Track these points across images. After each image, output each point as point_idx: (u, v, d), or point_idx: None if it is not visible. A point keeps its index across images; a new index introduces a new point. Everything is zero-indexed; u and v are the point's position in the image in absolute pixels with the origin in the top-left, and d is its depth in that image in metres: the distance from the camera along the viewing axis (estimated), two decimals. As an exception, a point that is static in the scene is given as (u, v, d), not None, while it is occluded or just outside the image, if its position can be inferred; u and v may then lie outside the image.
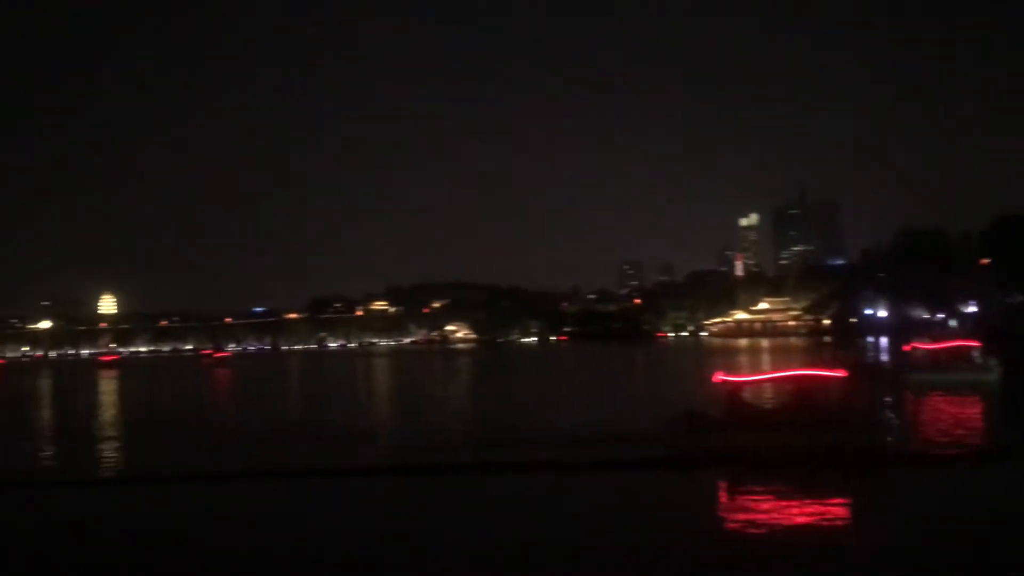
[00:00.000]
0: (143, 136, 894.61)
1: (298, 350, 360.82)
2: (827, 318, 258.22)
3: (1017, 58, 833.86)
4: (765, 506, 22.90)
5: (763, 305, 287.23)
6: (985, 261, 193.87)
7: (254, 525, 23.23)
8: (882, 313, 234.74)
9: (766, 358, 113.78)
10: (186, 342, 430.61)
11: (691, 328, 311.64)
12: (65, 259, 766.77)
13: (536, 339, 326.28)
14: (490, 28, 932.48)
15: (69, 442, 44.15)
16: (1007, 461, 29.47)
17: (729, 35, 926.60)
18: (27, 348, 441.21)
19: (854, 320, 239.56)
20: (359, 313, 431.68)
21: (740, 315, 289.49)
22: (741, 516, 22.08)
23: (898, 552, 18.76)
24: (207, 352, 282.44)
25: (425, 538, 21.09)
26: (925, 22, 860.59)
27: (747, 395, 32.20)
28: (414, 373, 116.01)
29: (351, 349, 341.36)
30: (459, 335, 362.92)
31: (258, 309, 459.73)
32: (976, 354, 59.68)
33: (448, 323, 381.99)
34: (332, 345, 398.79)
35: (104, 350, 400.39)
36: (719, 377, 31.00)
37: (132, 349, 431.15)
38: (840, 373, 31.34)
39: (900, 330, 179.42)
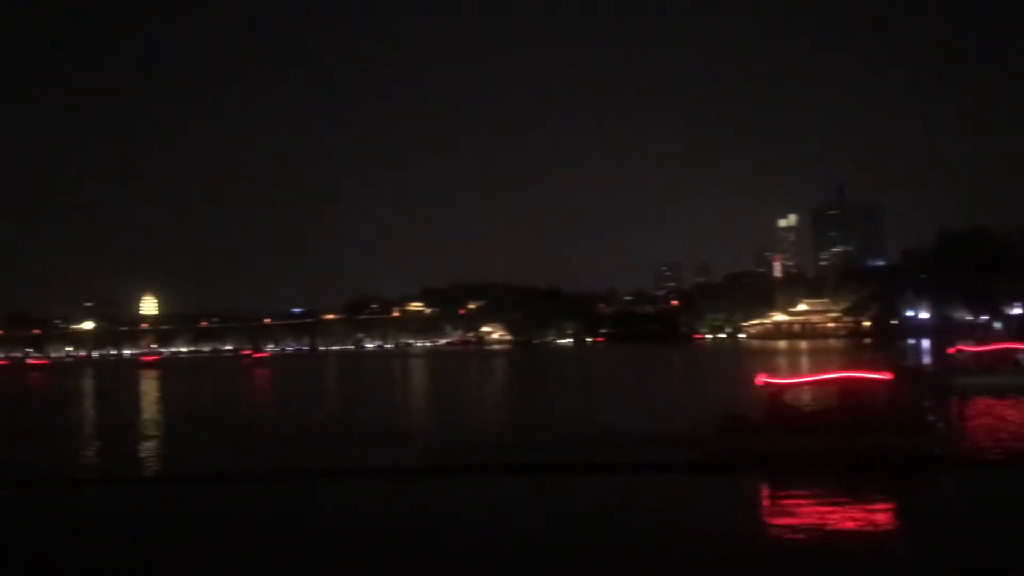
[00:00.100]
0: (183, 139, 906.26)
1: (336, 351, 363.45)
2: (867, 320, 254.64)
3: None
4: (808, 510, 22.61)
5: (802, 307, 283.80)
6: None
7: (300, 526, 23.31)
8: (923, 315, 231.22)
9: (806, 360, 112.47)
10: (226, 343, 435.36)
11: (729, 330, 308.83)
12: (108, 261, 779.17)
13: (572, 341, 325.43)
14: (522, 25, 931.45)
15: (110, 442, 44.82)
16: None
17: (769, 34, 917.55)
18: (71, 348, 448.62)
19: (895, 322, 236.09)
20: (395, 314, 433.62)
21: (778, 317, 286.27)
22: (784, 520, 21.82)
23: (945, 559, 18.41)
24: (246, 352, 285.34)
25: (470, 539, 21.12)
26: (967, 20, 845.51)
27: (790, 397, 31.82)
28: (451, 374, 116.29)
29: (387, 350, 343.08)
30: (495, 336, 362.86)
31: (296, 310, 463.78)
32: (1022, 357, 58.45)
33: (484, 324, 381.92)
34: (369, 346, 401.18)
35: (145, 350, 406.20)
36: (761, 379, 30.68)
37: (173, 349, 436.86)
38: (885, 376, 30.84)
39: (942, 332, 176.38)
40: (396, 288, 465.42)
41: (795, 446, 28.36)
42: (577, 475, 29.04)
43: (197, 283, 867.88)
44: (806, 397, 40.94)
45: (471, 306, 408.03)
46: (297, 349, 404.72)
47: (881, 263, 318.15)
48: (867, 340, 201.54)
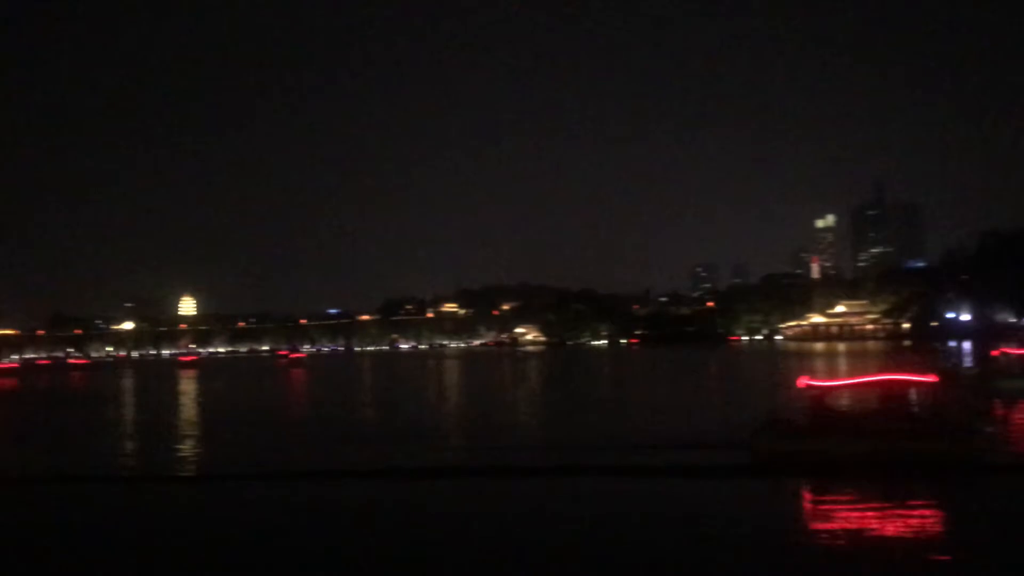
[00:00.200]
0: (222, 141, 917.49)
1: (370, 351, 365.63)
2: (907, 322, 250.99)
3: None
4: (853, 516, 22.30)
5: (840, 308, 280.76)
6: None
7: (355, 526, 23.41)
8: (965, 317, 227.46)
9: (845, 363, 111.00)
10: (263, 343, 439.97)
11: (765, 332, 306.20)
12: (148, 263, 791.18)
13: (606, 342, 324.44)
14: (556, 27, 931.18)
15: (149, 440, 45.38)
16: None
17: (807, 35, 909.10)
18: (111, 348, 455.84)
19: (935, 324, 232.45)
20: (430, 315, 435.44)
21: (816, 318, 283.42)
22: (828, 526, 21.53)
23: (994, 567, 18.06)
24: (283, 353, 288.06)
25: (523, 540, 21.10)
26: (1012, 22, 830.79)
27: (833, 400, 31.42)
28: (487, 375, 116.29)
29: (422, 351, 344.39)
30: (528, 338, 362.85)
31: (332, 311, 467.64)
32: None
33: (518, 325, 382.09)
34: (403, 346, 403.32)
35: (184, 350, 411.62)
36: (804, 382, 30.32)
37: (211, 349, 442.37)
38: (931, 378, 30.35)
39: (984, 334, 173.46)
40: (431, 289, 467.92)
41: (839, 450, 27.99)
42: (621, 478, 28.89)
43: (235, 284, 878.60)
44: (849, 400, 40.44)
45: (505, 307, 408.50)
46: (333, 349, 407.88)
47: (921, 264, 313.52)
48: (906, 342, 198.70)
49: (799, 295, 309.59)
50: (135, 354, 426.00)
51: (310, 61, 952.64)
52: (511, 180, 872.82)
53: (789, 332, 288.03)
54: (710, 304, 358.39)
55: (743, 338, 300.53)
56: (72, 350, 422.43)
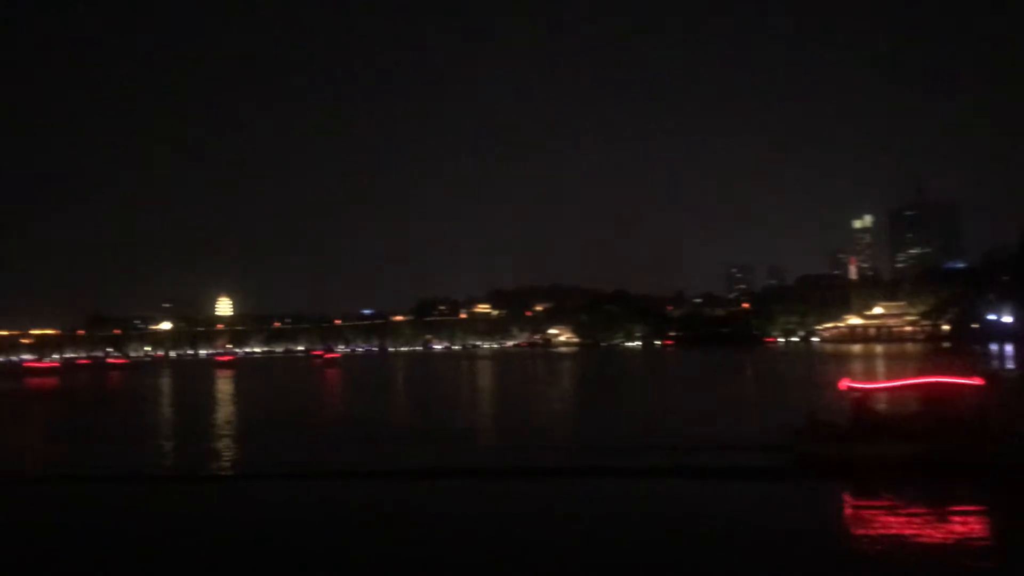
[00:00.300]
0: (256, 140, 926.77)
1: (404, 351, 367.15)
2: (946, 324, 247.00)
3: None
4: (897, 520, 21.95)
5: (878, 310, 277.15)
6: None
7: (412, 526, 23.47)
8: (1006, 319, 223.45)
9: (883, 365, 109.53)
10: (298, 343, 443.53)
11: (801, 333, 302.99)
12: (186, 264, 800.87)
13: (640, 343, 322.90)
14: (592, 24, 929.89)
15: (188, 439, 45.86)
16: None
17: (846, 34, 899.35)
18: (149, 348, 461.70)
19: (975, 326, 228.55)
20: (463, 316, 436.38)
21: (853, 320, 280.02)
22: (871, 531, 21.17)
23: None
24: (318, 353, 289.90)
25: (566, 543, 21.06)
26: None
27: (875, 403, 30.95)
28: (521, 376, 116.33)
29: (455, 351, 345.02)
30: (561, 339, 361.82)
31: (366, 311, 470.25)
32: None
33: (551, 327, 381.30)
34: (437, 347, 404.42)
35: (221, 350, 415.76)
36: (845, 384, 29.92)
37: (247, 349, 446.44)
38: (976, 381, 29.76)
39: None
40: (464, 290, 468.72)
41: (882, 453, 27.56)
42: (663, 479, 28.70)
43: (271, 285, 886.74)
44: (892, 403, 39.87)
45: (538, 308, 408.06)
46: (367, 350, 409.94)
47: (961, 265, 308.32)
48: (946, 345, 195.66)
49: (836, 296, 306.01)
50: (173, 354, 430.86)
51: (342, 63, 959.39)
52: (545, 181, 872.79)
53: (826, 334, 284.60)
54: (745, 305, 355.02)
55: (779, 340, 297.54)
56: (111, 350, 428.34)
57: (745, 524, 22.12)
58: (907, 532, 20.69)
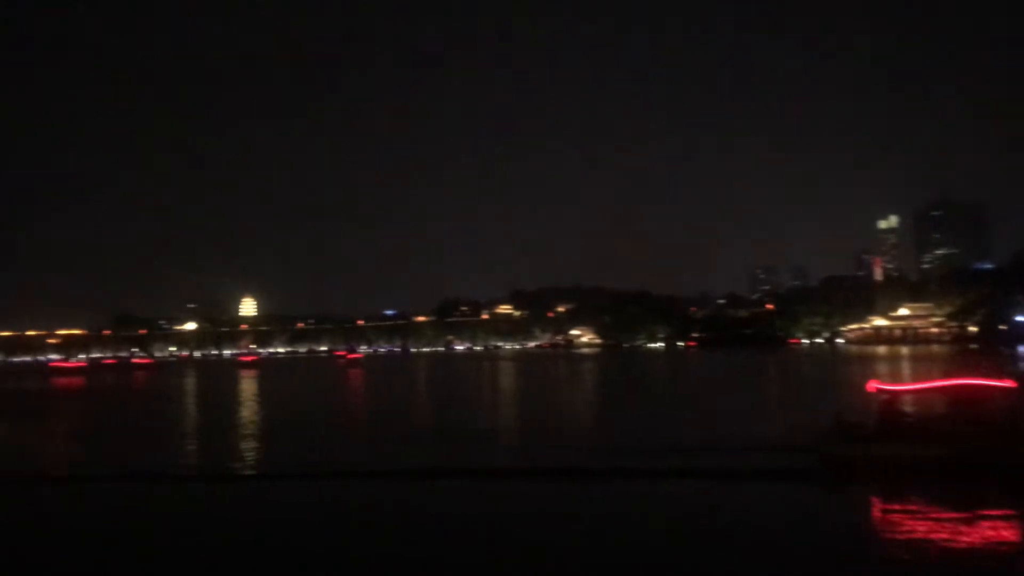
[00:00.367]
0: (279, 142, 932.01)
1: (426, 352, 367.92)
2: (974, 325, 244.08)
3: None
4: (926, 524, 21.61)
5: (903, 311, 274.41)
6: None
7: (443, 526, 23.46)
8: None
9: (911, 366, 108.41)
10: (321, 343, 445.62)
11: (826, 335, 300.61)
12: (211, 265, 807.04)
13: (663, 345, 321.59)
14: (620, 28, 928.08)
15: (214, 439, 46.12)
16: None
17: (869, 34, 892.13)
18: (174, 348, 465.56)
19: (1004, 327, 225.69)
20: (484, 317, 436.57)
21: (878, 321, 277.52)
22: (900, 535, 20.87)
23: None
24: (341, 353, 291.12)
25: (596, 544, 20.94)
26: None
27: (904, 405, 30.55)
28: (544, 377, 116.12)
29: (476, 352, 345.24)
30: (583, 340, 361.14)
31: (389, 312, 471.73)
32: None
33: (573, 327, 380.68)
34: (458, 348, 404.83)
35: (244, 350, 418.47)
36: (874, 385, 29.56)
37: (270, 350, 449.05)
38: (1008, 383, 29.29)
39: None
40: (486, 291, 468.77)
41: (911, 455, 27.19)
42: (692, 480, 28.52)
43: (294, 286, 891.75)
44: (919, 405, 39.42)
45: (560, 309, 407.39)
46: (389, 350, 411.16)
47: (989, 266, 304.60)
48: (973, 346, 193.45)
49: (861, 297, 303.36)
50: (197, 354, 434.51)
51: (369, 61, 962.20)
52: (566, 182, 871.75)
53: (851, 335, 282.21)
54: (769, 306, 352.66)
55: (803, 341, 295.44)
56: (136, 350, 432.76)
57: (772, 527, 21.91)
58: (936, 536, 20.37)
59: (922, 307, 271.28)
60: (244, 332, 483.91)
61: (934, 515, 22.65)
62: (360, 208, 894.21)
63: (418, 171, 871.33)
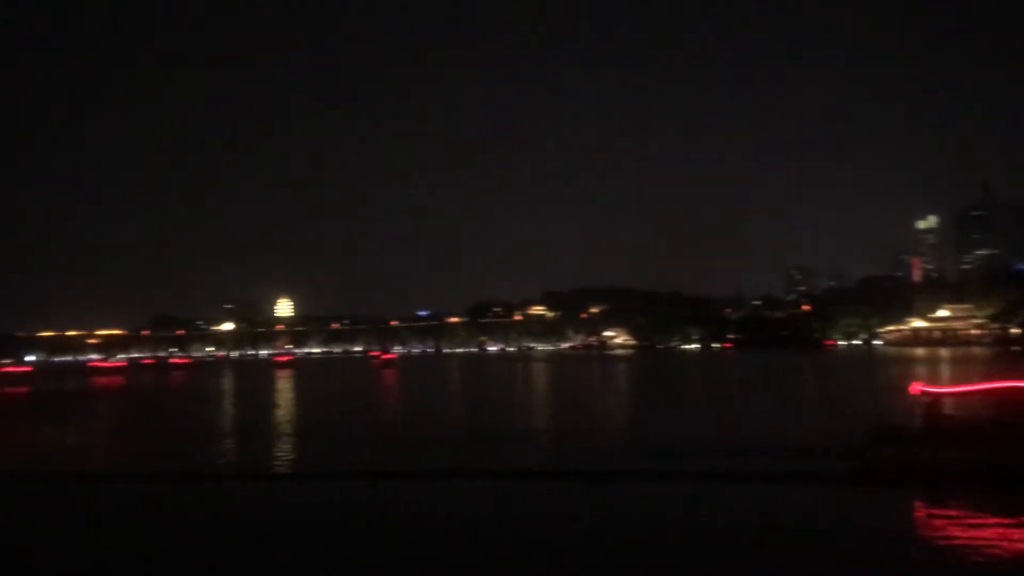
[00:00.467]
0: (313, 142, 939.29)
1: (459, 353, 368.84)
2: (1016, 327, 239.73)
3: None
4: (973, 531, 21.14)
5: (943, 312, 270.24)
6: None
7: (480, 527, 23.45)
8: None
9: (952, 369, 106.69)
10: (356, 344, 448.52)
11: (864, 336, 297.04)
12: (247, 266, 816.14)
13: (698, 346, 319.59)
14: (658, 29, 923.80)
15: (252, 438, 46.50)
16: None
17: (910, 30, 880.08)
18: (212, 348, 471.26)
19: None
20: (517, 318, 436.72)
21: (917, 323, 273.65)
22: (945, 541, 20.42)
23: None
24: (375, 353, 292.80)
25: (628, 545, 20.78)
26: None
27: (949, 407, 29.93)
28: (579, 378, 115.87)
29: (509, 353, 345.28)
30: (617, 341, 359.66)
31: (422, 313, 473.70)
32: None
33: (606, 329, 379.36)
34: (491, 348, 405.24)
35: (280, 351, 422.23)
36: (917, 388, 29.03)
37: (306, 350, 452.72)
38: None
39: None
40: (519, 292, 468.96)
41: (956, 459, 26.63)
42: (734, 483, 28.23)
43: (329, 287, 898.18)
44: (965, 408, 38.69)
45: (593, 310, 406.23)
46: (422, 351, 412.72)
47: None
48: (1016, 348, 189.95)
49: (899, 298, 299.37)
50: (234, 354, 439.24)
51: (419, 57, 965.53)
52: (599, 182, 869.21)
53: (889, 337, 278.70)
54: (806, 307, 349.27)
55: (839, 343, 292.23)
56: (175, 350, 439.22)
57: (814, 532, 21.64)
58: (983, 543, 19.91)
59: (962, 308, 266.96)
60: (280, 332, 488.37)
61: (981, 521, 22.17)
62: (395, 209, 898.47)
63: (453, 172, 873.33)
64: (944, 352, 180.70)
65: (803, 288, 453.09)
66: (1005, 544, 19.97)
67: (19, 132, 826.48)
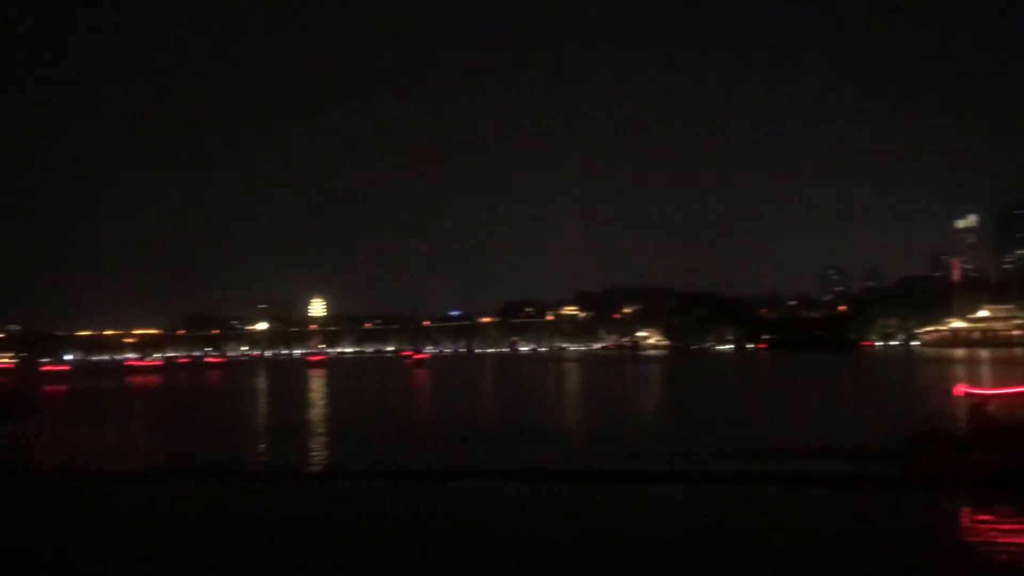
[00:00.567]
0: (343, 145, 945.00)
1: (491, 353, 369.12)
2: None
3: None
4: (1019, 539, 20.45)
5: (983, 312, 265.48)
6: None
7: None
8: None
9: (994, 370, 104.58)
10: (388, 343, 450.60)
11: (901, 337, 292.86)
12: (281, 266, 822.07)
13: (733, 347, 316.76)
14: (688, 28, 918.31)
15: (286, 438, 46.60)
16: None
17: (948, 26, 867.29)
18: (246, 347, 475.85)
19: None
20: (549, 318, 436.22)
21: (956, 323, 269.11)
22: (992, 546, 19.80)
23: None
24: (407, 353, 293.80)
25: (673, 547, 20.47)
26: None
27: (994, 409, 29.11)
28: (613, 379, 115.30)
29: (541, 353, 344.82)
30: (651, 341, 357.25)
31: (454, 313, 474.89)
32: None
33: (639, 329, 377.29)
34: (523, 349, 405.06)
35: (313, 350, 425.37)
36: (962, 390, 28.29)
37: (339, 350, 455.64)
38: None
39: None
40: (551, 292, 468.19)
41: (1004, 462, 25.88)
42: (776, 485, 27.74)
43: (362, 287, 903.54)
44: (1011, 410, 37.74)
45: (626, 310, 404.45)
46: (454, 351, 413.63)
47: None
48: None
49: (938, 299, 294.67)
50: (268, 353, 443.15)
51: (433, 68, 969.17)
52: (633, 182, 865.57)
53: (927, 338, 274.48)
54: (842, 308, 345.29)
55: (877, 343, 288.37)
56: (209, 349, 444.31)
57: (860, 535, 21.17)
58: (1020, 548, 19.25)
59: (1003, 309, 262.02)
60: (313, 332, 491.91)
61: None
62: (427, 209, 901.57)
63: (484, 172, 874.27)
64: (984, 353, 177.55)
65: (839, 288, 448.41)
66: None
67: (70, 133, 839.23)
